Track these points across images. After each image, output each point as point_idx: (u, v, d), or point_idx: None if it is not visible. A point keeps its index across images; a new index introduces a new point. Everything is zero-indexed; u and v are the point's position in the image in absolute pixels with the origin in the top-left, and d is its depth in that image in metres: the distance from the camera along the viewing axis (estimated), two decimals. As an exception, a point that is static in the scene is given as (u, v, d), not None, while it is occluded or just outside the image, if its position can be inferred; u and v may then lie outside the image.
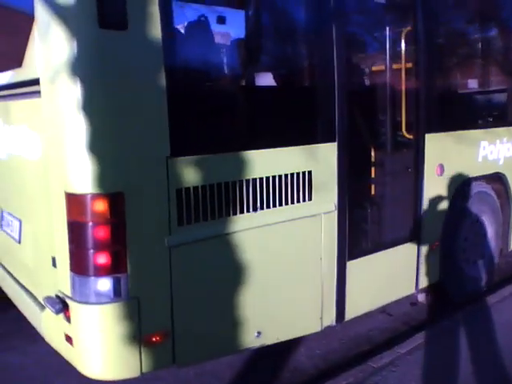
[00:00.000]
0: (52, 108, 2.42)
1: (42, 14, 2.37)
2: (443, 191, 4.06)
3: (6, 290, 3.62)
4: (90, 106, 2.27)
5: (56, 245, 2.59)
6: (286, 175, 2.97)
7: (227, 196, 2.72)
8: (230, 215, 2.74)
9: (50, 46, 2.34)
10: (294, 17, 3.12)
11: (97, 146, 2.30)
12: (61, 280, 2.58)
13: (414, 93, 3.77)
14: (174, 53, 2.51)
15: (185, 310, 2.62)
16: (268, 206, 2.91)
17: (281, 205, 2.97)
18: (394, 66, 3.72)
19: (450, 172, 4.05)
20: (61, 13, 2.27)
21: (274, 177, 2.91)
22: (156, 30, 2.37)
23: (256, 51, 2.78)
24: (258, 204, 2.86)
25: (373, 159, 3.69)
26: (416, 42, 3.73)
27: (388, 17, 3.73)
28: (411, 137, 3.81)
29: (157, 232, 2.49)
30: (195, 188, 2.59)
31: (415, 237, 3.89)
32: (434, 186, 3.95)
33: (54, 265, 2.65)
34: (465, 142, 4.13)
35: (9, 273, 3.57)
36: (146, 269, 2.49)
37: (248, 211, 2.82)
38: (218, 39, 2.93)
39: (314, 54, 3.11)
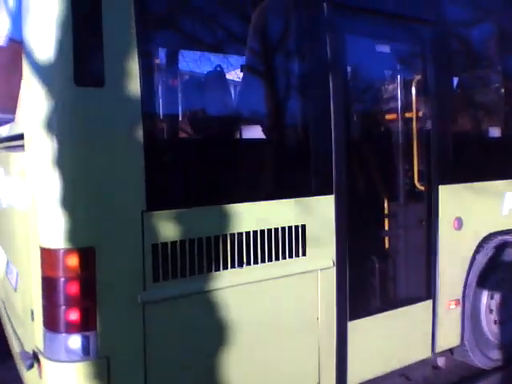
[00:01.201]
0: (31, 162, 2.45)
1: (26, 70, 2.44)
2: (462, 246, 3.80)
3: (7, 336, 3.63)
4: (64, 162, 2.27)
5: (33, 298, 2.56)
6: (276, 229, 2.85)
7: (209, 251, 2.62)
8: (211, 271, 2.63)
9: (32, 103, 2.38)
10: (287, 65, 3.07)
11: (69, 200, 2.28)
12: (36, 334, 2.53)
13: (425, 143, 3.60)
14: (152, 108, 2.48)
15: (159, 372, 2.49)
16: (256, 262, 2.78)
17: (270, 260, 2.84)
18: (401, 115, 3.58)
19: (470, 226, 3.79)
20: (40, 70, 2.31)
21: (262, 231, 2.79)
22: (134, 86, 2.37)
23: (242, 103, 2.74)
24: (244, 259, 2.74)
25: (379, 212, 3.52)
26: (427, 90, 3.60)
27: (393, 66, 3.63)
28: (423, 188, 3.62)
29: (129, 288, 2.41)
30: (173, 243, 2.51)
31: (430, 295, 3.62)
32: (452, 240, 3.70)
33: (33, 318, 2.62)
34: (486, 193, 3.88)
35: (9, 320, 3.59)
36: (117, 327, 2.40)
37: (233, 267, 2.70)
38: (198, 92, 2.91)
39: (306, 103, 3.02)
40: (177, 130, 2.73)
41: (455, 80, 3.97)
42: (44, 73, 2.29)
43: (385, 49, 3.56)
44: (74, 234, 2.30)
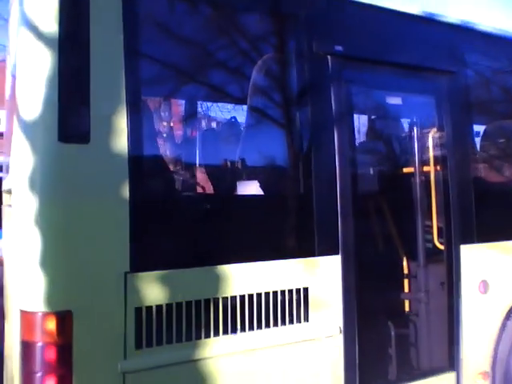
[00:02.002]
0: (15, 219, 2.38)
1: (15, 127, 2.41)
2: (490, 312, 3.46)
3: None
4: (44, 220, 2.18)
5: (14, 361, 2.43)
6: (275, 292, 2.65)
7: (198, 316, 2.44)
8: (201, 338, 2.44)
9: (18, 158, 2.34)
10: (290, 119, 2.94)
11: (47, 260, 2.18)
12: (15, 402, 2.39)
13: (444, 198, 3.36)
14: (140, 166, 2.37)
15: None
16: (251, 328, 2.58)
17: (268, 326, 2.63)
18: (418, 169, 3.34)
19: (498, 289, 3.47)
20: (25, 124, 2.27)
21: (258, 294, 2.60)
22: (121, 143, 2.29)
23: (238, 157, 2.62)
24: (238, 325, 2.54)
25: (393, 273, 3.27)
26: (445, 142, 3.40)
27: (408, 117, 3.47)
28: (443, 247, 3.36)
29: (108, 356, 2.24)
30: (158, 307, 2.35)
31: (453, 367, 3.28)
32: (477, 305, 3.38)
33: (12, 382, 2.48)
34: (515, 254, 3.56)
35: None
36: (95, 398, 2.22)
37: (225, 333, 2.50)
38: (189, 149, 2.80)
39: (309, 156, 2.85)
40: (165, 187, 2.62)
41: (476, 132, 3.76)
42: (28, 127, 2.25)
43: (397, 100, 3.41)
44: (50, 296, 2.18)
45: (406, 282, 3.33)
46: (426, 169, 3.44)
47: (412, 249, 3.38)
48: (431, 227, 3.41)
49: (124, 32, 2.33)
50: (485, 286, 3.42)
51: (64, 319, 2.17)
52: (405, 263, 3.36)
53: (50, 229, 2.19)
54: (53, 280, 2.18)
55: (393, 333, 3.18)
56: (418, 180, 3.39)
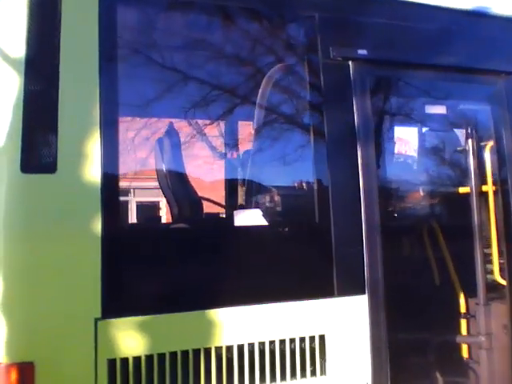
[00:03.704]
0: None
1: None
2: None
3: None
4: (5, 259, 1.96)
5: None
6: (282, 341, 2.24)
7: (185, 369, 2.08)
8: (189, 395, 2.09)
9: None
10: (307, 133, 2.54)
11: (8, 304, 1.95)
12: None
13: (506, 224, 2.77)
14: (114, 198, 2.11)
15: None
16: (252, 383, 2.18)
17: (274, 381, 2.21)
18: (475, 188, 2.79)
19: None
20: None
21: (261, 343, 2.20)
22: (93, 173, 2.04)
23: (236, 181, 2.26)
24: (235, 380, 2.15)
25: (441, 315, 2.73)
26: (505, 157, 2.82)
27: (455, 129, 2.93)
28: (505, 283, 2.76)
29: (76, 415, 1.96)
30: (136, 358, 2.03)
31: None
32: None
33: None
34: None
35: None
36: None
37: (219, 390, 2.13)
38: (168, 178, 2.45)
39: (324, 176, 2.42)
40: (143, 221, 2.33)
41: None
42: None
43: (441, 109, 2.88)
44: (12, 345, 1.94)
45: (457, 324, 2.77)
46: (483, 188, 2.89)
47: (466, 285, 2.82)
48: (491, 258, 2.84)
49: (100, 53, 2.09)
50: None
51: (25, 372, 1.92)
52: (458, 302, 2.81)
53: (9, 269, 1.96)
54: (13, 327, 1.94)
55: (442, 386, 2.63)
56: (474, 202, 2.83)
